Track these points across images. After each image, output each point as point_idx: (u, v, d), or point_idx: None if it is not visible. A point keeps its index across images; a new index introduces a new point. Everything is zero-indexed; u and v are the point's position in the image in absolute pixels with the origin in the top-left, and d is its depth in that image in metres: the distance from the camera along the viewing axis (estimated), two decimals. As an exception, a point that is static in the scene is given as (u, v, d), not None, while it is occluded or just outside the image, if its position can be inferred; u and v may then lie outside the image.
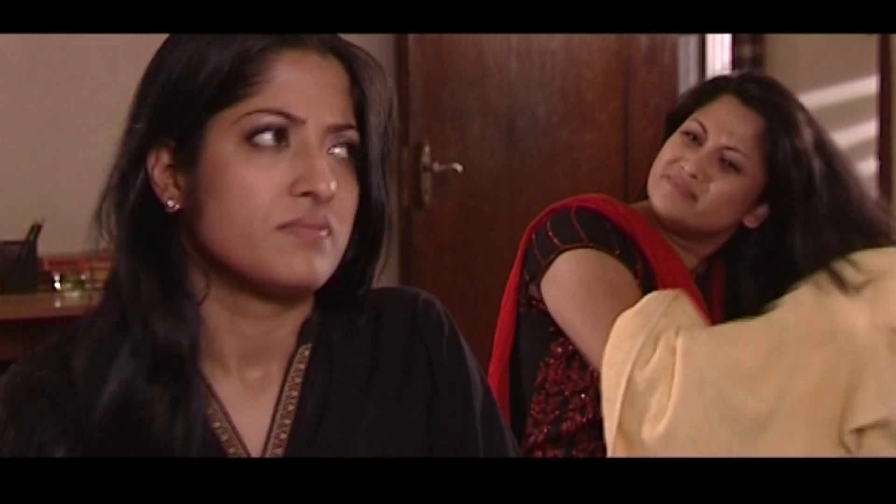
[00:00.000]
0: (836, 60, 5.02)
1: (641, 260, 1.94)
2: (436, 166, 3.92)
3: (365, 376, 1.23)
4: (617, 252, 1.90)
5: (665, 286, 1.91)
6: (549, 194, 3.94)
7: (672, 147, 1.97)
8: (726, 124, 1.93)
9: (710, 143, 1.93)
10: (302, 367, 1.22)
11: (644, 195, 2.03)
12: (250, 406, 1.20)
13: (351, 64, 1.17)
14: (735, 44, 5.02)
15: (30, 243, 3.30)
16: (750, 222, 1.97)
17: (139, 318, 1.14)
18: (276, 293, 1.17)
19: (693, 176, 1.92)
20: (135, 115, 1.16)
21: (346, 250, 1.19)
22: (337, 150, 1.16)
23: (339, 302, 1.24)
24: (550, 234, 1.93)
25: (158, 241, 1.15)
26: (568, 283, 1.90)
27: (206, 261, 1.17)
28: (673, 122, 2.03)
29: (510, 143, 4.09)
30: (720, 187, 1.92)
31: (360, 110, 1.18)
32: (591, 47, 4.19)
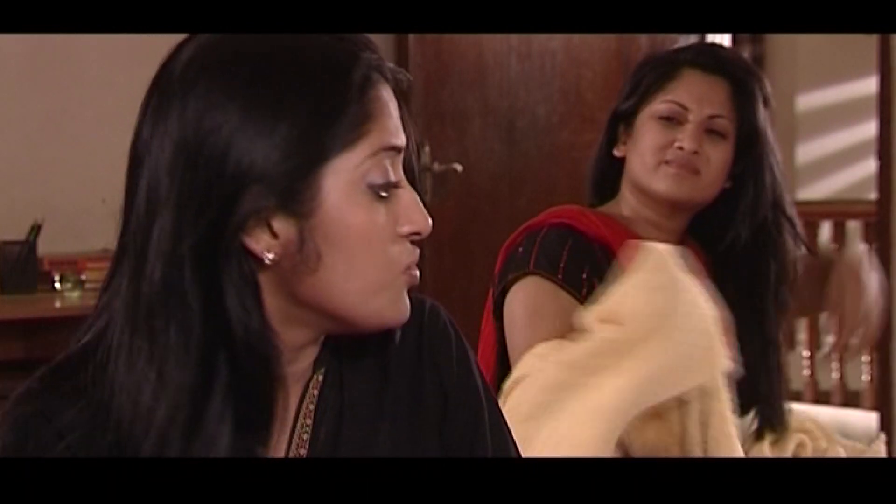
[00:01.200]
0: (836, 60, 5.03)
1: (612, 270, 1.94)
2: (436, 166, 3.92)
3: (376, 396, 1.19)
4: (560, 277, 1.89)
5: None
6: (549, 194, 3.95)
7: (653, 134, 1.96)
8: (704, 95, 1.95)
9: (695, 117, 1.94)
10: (315, 392, 1.17)
11: (606, 200, 2.03)
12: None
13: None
14: (735, 44, 5.03)
15: (30, 243, 3.30)
16: (726, 183, 1.99)
17: (243, 370, 1.05)
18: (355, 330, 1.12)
19: (695, 152, 1.93)
20: (221, 171, 1.02)
21: None
22: None
23: None
24: (520, 258, 1.94)
25: (241, 293, 1.05)
26: (511, 323, 1.93)
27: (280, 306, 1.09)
28: (627, 114, 2.03)
29: (510, 143, 4.10)
30: (717, 157, 1.94)
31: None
32: (591, 47, 4.19)
